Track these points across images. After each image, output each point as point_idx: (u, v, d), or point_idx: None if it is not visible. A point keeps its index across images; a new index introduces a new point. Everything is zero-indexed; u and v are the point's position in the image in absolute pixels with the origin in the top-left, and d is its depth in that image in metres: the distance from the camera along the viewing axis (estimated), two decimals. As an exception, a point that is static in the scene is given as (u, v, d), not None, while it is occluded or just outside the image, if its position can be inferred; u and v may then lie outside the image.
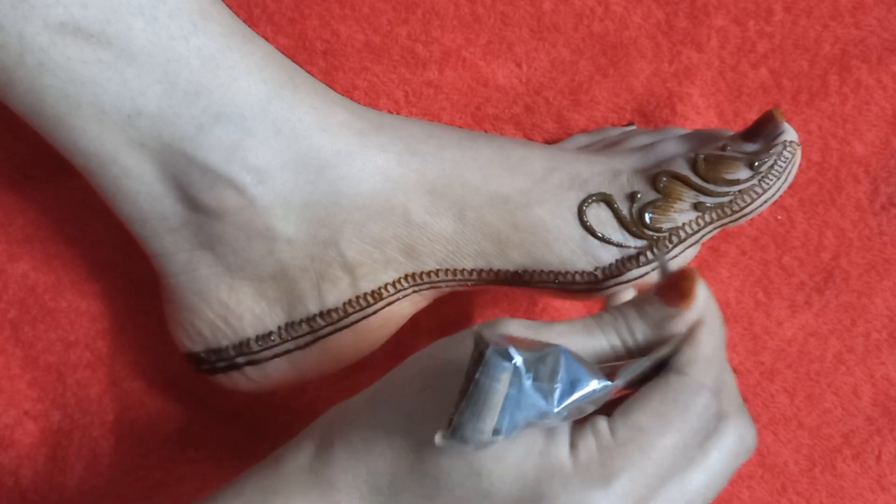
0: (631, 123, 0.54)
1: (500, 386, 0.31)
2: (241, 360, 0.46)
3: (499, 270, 0.45)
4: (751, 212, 0.45)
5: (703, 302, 0.36)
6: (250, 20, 0.53)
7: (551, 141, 0.55)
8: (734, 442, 0.36)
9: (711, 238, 0.48)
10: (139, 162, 0.41)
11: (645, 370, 0.35)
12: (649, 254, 0.45)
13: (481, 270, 0.45)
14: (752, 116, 0.55)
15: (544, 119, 0.55)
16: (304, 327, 0.46)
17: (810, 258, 0.55)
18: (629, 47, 0.55)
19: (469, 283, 0.46)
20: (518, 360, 0.31)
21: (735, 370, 0.54)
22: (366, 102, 0.54)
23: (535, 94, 0.55)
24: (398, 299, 0.46)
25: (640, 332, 0.37)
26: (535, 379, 0.31)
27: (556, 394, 0.32)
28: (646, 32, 0.55)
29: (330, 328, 0.45)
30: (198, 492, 0.49)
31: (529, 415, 0.31)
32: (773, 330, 0.55)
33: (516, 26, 0.55)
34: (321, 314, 0.45)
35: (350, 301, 0.45)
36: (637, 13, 0.55)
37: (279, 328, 0.46)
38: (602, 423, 0.35)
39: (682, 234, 0.45)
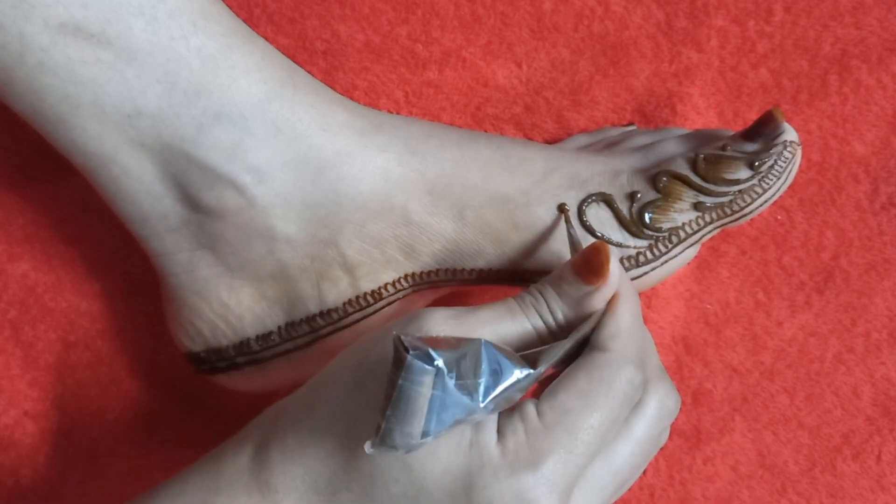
0: (631, 123, 0.54)
1: (424, 389, 0.31)
2: (241, 359, 0.46)
3: (499, 270, 0.45)
4: (751, 212, 0.45)
5: (616, 276, 0.38)
6: (250, 20, 0.53)
7: (551, 141, 0.55)
8: (655, 408, 0.38)
9: (711, 238, 0.48)
10: (139, 162, 0.41)
11: (568, 351, 0.36)
12: (649, 253, 0.45)
13: (481, 270, 0.45)
14: (752, 116, 0.55)
15: (544, 119, 0.55)
16: (305, 327, 0.46)
17: (810, 258, 0.55)
18: (629, 47, 0.55)
19: (469, 283, 0.46)
20: (439, 361, 0.31)
21: (735, 370, 0.54)
22: (366, 102, 0.54)
23: (535, 94, 0.55)
24: (398, 299, 0.46)
25: (560, 311, 0.38)
26: (458, 377, 0.31)
27: (481, 389, 0.32)
28: (646, 32, 0.55)
29: (330, 328, 0.46)
30: (198, 492, 0.49)
31: (456, 413, 0.32)
32: (773, 330, 0.55)
33: (516, 26, 0.55)
34: (321, 314, 0.45)
35: (350, 301, 0.45)
36: (637, 13, 0.55)
37: (279, 328, 0.46)
38: (530, 407, 0.36)
39: (682, 234, 0.45)
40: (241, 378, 0.47)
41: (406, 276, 0.45)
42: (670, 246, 0.45)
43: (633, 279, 0.45)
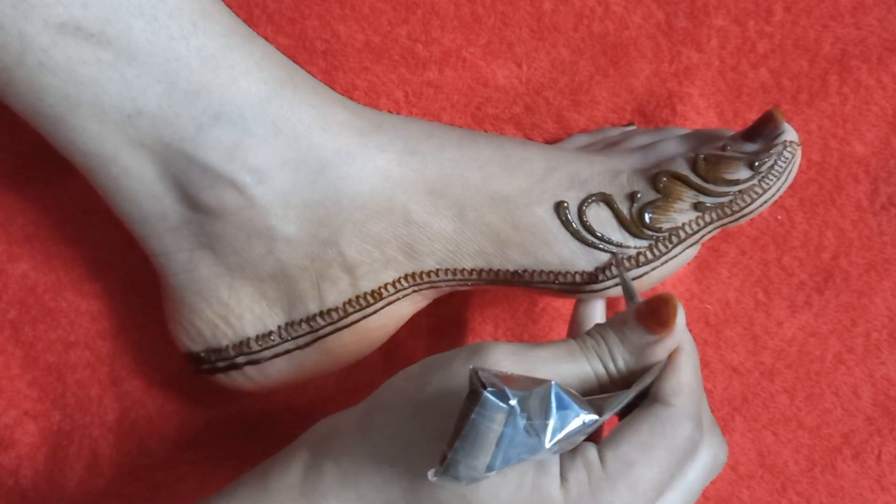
0: (631, 123, 0.54)
1: (495, 426, 0.31)
2: (241, 359, 0.46)
3: (499, 270, 0.45)
4: (751, 212, 0.45)
5: (681, 328, 0.37)
6: (250, 20, 0.53)
7: (551, 141, 0.55)
8: (709, 461, 0.39)
9: (711, 238, 0.48)
10: (139, 161, 0.41)
11: (629, 400, 0.36)
12: (649, 253, 0.45)
13: (481, 270, 0.45)
14: (752, 116, 0.55)
15: (544, 119, 0.55)
16: (304, 327, 0.46)
17: (810, 258, 0.55)
18: (629, 47, 0.55)
19: (469, 283, 0.46)
20: (514, 401, 0.31)
21: (735, 370, 0.54)
22: (366, 102, 0.54)
23: (535, 94, 0.55)
24: (398, 299, 0.46)
25: (621, 358, 0.38)
26: (528, 417, 0.32)
27: (549, 430, 0.32)
28: (646, 32, 0.55)
29: (330, 328, 0.45)
30: (198, 491, 0.49)
31: (522, 452, 0.32)
32: (773, 330, 0.55)
33: (516, 26, 0.55)
34: (321, 314, 0.45)
35: (350, 301, 0.45)
36: (637, 13, 0.55)
37: (279, 328, 0.46)
38: (592, 453, 0.36)
39: (682, 234, 0.45)
40: (241, 378, 0.47)
41: (406, 275, 0.45)
42: (670, 246, 0.45)
43: (633, 279, 0.45)
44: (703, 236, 0.46)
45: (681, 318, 0.37)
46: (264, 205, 0.43)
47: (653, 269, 0.45)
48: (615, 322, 0.38)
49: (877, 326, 0.55)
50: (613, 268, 0.44)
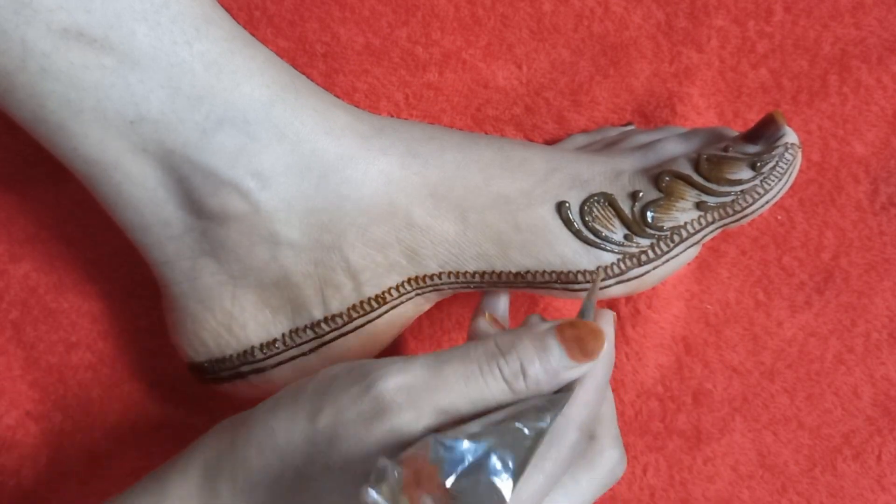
0: (629, 123, 0.54)
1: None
2: (245, 368, 0.46)
3: (501, 272, 0.45)
4: (752, 212, 0.45)
5: (603, 356, 0.36)
6: (250, 23, 0.53)
7: (552, 142, 0.55)
8: (604, 474, 0.38)
9: (712, 238, 0.48)
10: (141, 167, 0.41)
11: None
12: (651, 252, 0.45)
13: (483, 272, 0.45)
14: (752, 116, 0.55)
15: (545, 120, 0.55)
16: (309, 333, 0.45)
17: (810, 258, 0.55)
18: (629, 47, 0.55)
19: (472, 286, 0.46)
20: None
21: (735, 370, 0.54)
22: (366, 105, 0.54)
23: (535, 95, 0.55)
24: (402, 303, 0.46)
25: (533, 379, 0.35)
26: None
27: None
28: (646, 32, 0.55)
29: (334, 333, 0.45)
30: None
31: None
32: (773, 330, 0.55)
33: (516, 28, 0.54)
34: (325, 320, 0.45)
35: (354, 306, 0.45)
36: (637, 13, 0.55)
37: (283, 335, 0.46)
38: None
39: (684, 234, 0.45)
40: (245, 386, 0.47)
41: (409, 279, 0.45)
42: (672, 245, 0.45)
43: (634, 278, 0.45)
44: (704, 236, 0.46)
45: (607, 346, 0.36)
46: (268, 210, 0.42)
47: (654, 269, 0.45)
48: (535, 338, 0.36)
49: (877, 326, 0.55)
50: (598, 273, 0.44)
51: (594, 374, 0.37)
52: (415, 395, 0.35)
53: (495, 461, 0.32)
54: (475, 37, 0.54)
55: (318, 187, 0.43)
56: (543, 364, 0.35)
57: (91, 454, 0.53)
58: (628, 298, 0.54)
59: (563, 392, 0.36)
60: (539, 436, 0.34)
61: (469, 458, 0.32)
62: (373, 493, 0.31)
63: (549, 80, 0.55)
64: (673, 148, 0.47)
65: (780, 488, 0.54)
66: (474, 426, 0.34)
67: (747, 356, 0.55)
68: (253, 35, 0.43)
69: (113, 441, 0.53)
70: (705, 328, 0.55)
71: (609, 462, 0.38)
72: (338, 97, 0.45)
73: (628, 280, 0.45)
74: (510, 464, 0.32)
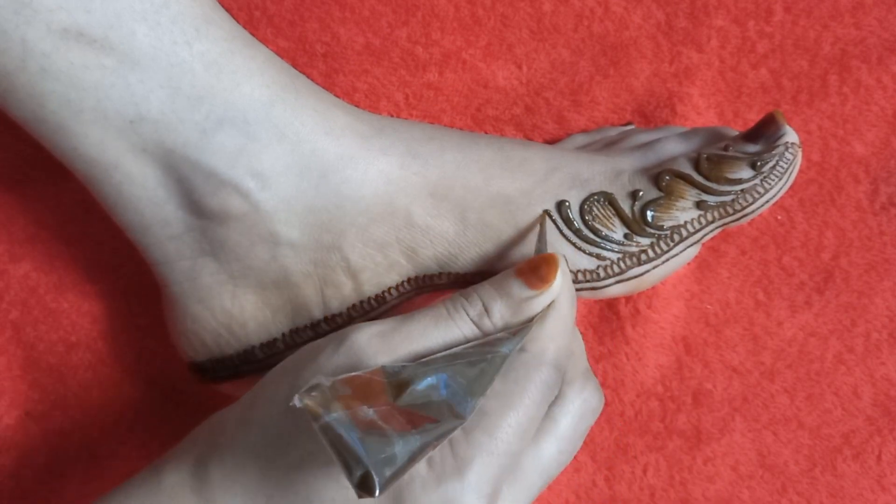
0: (629, 123, 0.54)
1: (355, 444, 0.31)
2: (245, 368, 0.46)
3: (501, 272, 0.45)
4: (752, 212, 0.45)
5: (558, 286, 0.39)
6: (250, 22, 0.53)
7: (552, 141, 0.55)
8: (580, 406, 0.40)
9: (712, 238, 0.48)
10: (141, 167, 0.41)
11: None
12: (651, 251, 0.45)
13: (483, 273, 0.45)
14: (752, 116, 0.55)
15: (545, 120, 0.55)
16: (309, 333, 0.46)
17: (810, 258, 0.55)
18: (629, 47, 0.55)
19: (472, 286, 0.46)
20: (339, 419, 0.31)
21: (735, 370, 0.54)
22: (366, 105, 0.54)
23: (535, 94, 0.55)
24: (401, 302, 0.46)
25: (498, 312, 0.38)
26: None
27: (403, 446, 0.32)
28: (646, 32, 0.55)
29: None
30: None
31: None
32: (773, 330, 0.55)
33: (516, 28, 0.54)
34: (325, 319, 0.45)
35: (354, 305, 0.45)
36: (637, 13, 0.55)
37: (283, 335, 0.46)
38: None
39: (685, 233, 0.45)
40: (245, 386, 0.47)
41: (409, 279, 0.45)
42: (672, 244, 0.45)
43: (635, 277, 0.45)
44: (704, 235, 0.46)
45: (560, 275, 0.39)
46: (268, 210, 0.42)
47: (654, 268, 0.45)
48: (495, 280, 0.39)
49: (877, 326, 0.55)
50: (540, 229, 0.45)
51: (558, 307, 0.39)
52: (388, 341, 0.37)
53: (450, 381, 0.34)
54: (475, 37, 0.54)
55: (318, 187, 0.43)
56: (504, 299, 0.38)
57: (90, 454, 0.53)
58: (628, 298, 0.54)
59: (527, 324, 0.38)
60: (500, 360, 0.35)
61: (424, 380, 0.34)
62: (297, 400, 0.31)
63: (549, 80, 0.55)
64: (673, 147, 0.47)
65: (780, 488, 0.54)
66: (434, 357, 0.36)
67: (747, 356, 0.55)
68: (253, 35, 0.43)
69: (113, 441, 0.53)
70: (705, 328, 0.55)
71: (581, 395, 0.40)
72: (338, 97, 0.45)
73: (628, 279, 0.45)
74: (465, 384, 0.34)
